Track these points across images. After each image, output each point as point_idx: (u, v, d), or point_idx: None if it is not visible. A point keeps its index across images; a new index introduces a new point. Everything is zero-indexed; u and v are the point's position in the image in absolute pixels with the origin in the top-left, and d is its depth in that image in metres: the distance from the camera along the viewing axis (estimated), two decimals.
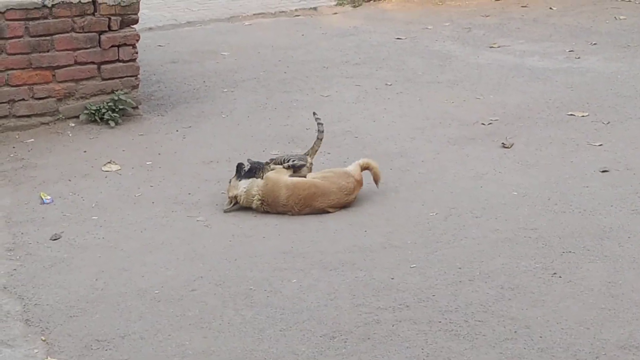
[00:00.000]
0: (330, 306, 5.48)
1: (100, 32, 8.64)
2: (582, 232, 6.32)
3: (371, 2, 13.70)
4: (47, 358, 5.05)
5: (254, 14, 13.18)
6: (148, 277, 5.89)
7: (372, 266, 5.94)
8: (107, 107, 8.66)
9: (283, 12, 13.32)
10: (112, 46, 8.69)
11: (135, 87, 8.88)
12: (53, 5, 8.42)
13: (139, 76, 8.92)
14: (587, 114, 8.72)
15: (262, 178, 6.86)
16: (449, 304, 5.46)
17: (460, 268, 5.88)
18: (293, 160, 7.00)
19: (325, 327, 5.25)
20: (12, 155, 8.02)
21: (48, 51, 8.47)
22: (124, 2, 8.66)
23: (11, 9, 8.29)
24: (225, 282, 5.79)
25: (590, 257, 5.97)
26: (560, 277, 5.72)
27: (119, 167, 7.67)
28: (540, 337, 5.09)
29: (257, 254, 6.16)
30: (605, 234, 6.30)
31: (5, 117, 8.44)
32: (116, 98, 8.69)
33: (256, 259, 6.09)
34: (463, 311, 5.38)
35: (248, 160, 7.13)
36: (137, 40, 8.84)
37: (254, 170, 6.96)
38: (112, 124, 8.59)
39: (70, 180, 7.47)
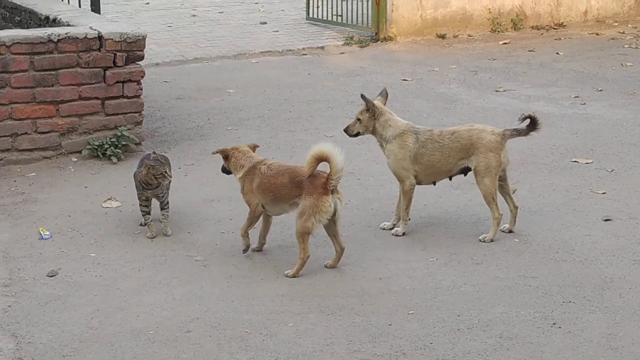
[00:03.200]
0: (326, 352, 5.42)
1: (105, 68, 8.65)
2: (582, 282, 6.26)
3: (378, 42, 13.72)
4: None
5: (261, 52, 13.21)
6: (144, 317, 5.84)
7: (369, 311, 5.89)
8: (109, 142, 8.66)
9: (290, 50, 13.35)
10: (117, 82, 8.71)
11: (138, 123, 8.88)
12: (59, 40, 8.44)
13: (142, 112, 8.93)
14: (591, 161, 8.68)
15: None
16: (446, 353, 5.40)
17: (459, 315, 5.83)
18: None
19: None
20: (12, 189, 8.00)
21: (52, 86, 8.49)
22: (129, 38, 8.68)
23: (17, 42, 8.32)
24: (221, 324, 5.73)
25: (590, 307, 5.92)
26: (559, 327, 5.66)
27: (120, 204, 7.64)
28: None
29: (255, 296, 6.11)
30: (607, 284, 6.24)
31: (7, 150, 8.44)
32: (119, 134, 8.69)
33: (253, 301, 6.04)
34: None
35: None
36: (142, 77, 8.85)
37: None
38: (114, 159, 8.58)
39: (70, 216, 7.44)
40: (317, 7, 14.99)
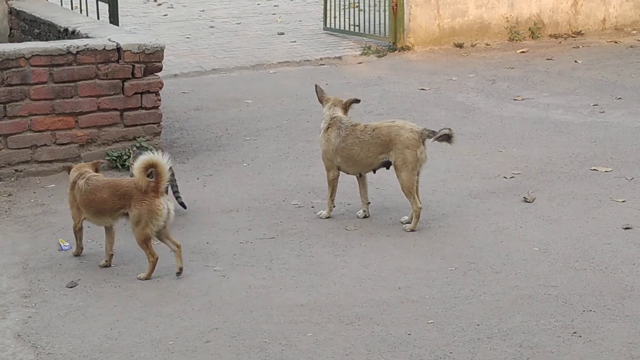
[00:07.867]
0: None
1: (124, 79, 8.69)
2: (603, 291, 6.24)
3: (396, 52, 13.72)
4: None
5: (278, 62, 13.22)
6: (163, 327, 5.85)
7: (388, 321, 5.88)
8: (128, 154, 8.69)
9: (308, 60, 13.35)
10: (135, 93, 8.74)
11: (157, 134, 8.91)
12: (78, 52, 8.48)
13: (161, 123, 8.96)
14: (610, 169, 8.65)
15: None
16: None
17: (478, 325, 5.81)
18: None
19: None
20: (32, 200, 8.04)
21: (71, 97, 8.53)
22: (148, 49, 8.71)
23: (36, 55, 8.36)
24: (240, 334, 5.74)
25: (611, 316, 5.89)
26: (580, 336, 5.64)
27: None
28: None
29: (274, 306, 6.11)
30: (627, 292, 6.21)
31: (27, 162, 8.48)
32: (138, 145, 8.72)
33: (272, 311, 6.05)
34: None
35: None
36: (161, 88, 8.88)
37: None
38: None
39: (89, 227, 7.44)
40: (335, 17, 15.00)
